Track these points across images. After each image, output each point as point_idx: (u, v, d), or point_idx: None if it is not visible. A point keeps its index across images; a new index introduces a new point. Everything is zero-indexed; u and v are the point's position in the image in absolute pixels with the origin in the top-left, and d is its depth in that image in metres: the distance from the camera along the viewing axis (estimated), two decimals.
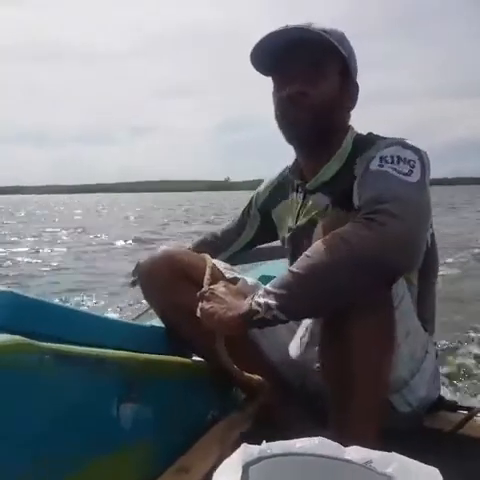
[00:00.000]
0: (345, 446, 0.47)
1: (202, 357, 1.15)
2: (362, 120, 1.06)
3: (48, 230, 13.33)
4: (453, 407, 1.08)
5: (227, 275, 1.14)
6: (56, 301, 0.92)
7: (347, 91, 1.03)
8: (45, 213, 25.37)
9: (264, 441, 0.45)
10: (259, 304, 0.80)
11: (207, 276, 1.04)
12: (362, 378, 0.80)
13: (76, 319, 0.90)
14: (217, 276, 1.09)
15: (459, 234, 8.81)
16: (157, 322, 1.18)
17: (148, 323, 1.22)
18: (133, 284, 1.33)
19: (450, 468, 0.49)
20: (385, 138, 0.98)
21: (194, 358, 1.16)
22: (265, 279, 1.20)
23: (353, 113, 1.08)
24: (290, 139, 1.06)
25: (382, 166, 0.88)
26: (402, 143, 0.92)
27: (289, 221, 1.15)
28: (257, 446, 0.44)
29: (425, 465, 0.44)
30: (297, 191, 1.14)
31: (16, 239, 10.83)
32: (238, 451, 0.42)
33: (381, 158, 0.89)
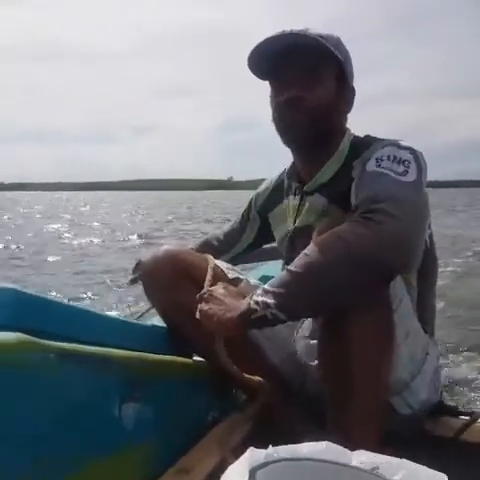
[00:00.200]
0: (345, 447, 0.47)
1: (203, 357, 1.15)
2: (362, 121, 1.06)
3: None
4: (454, 412, 1.08)
5: (229, 275, 1.14)
6: (58, 298, 0.92)
7: (343, 95, 1.05)
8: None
9: (270, 445, 0.45)
10: (257, 303, 0.81)
11: (208, 277, 1.04)
12: (361, 378, 0.80)
13: (78, 317, 0.89)
14: (219, 276, 1.09)
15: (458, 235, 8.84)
16: (158, 321, 1.18)
17: (149, 322, 1.22)
18: (132, 282, 1.33)
19: (453, 474, 0.48)
20: (382, 140, 1.00)
21: (195, 358, 1.16)
22: (266, 279, 1.19)
23: (353, 114, 1.10)
24: (288, 142, 1.08)
25: (378, 167, 0.89)
26: (397, 144, 0.94)
27: (286, 224, 1.16)
28: (263, 450, 0.44)
29: (434, 471, 0.43)
30: (294, 194, 1.14)
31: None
32: (245, 455, 0.42)
33: (377, 159, 0.91)
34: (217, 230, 1.43)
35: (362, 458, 0.46)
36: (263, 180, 1.33)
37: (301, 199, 1.11)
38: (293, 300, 0.79)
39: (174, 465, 0.87)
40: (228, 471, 0.41)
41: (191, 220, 15.62)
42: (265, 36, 1.00)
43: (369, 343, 0.80)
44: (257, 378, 1.06)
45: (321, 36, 0.97)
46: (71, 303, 0.93)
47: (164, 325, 1.15)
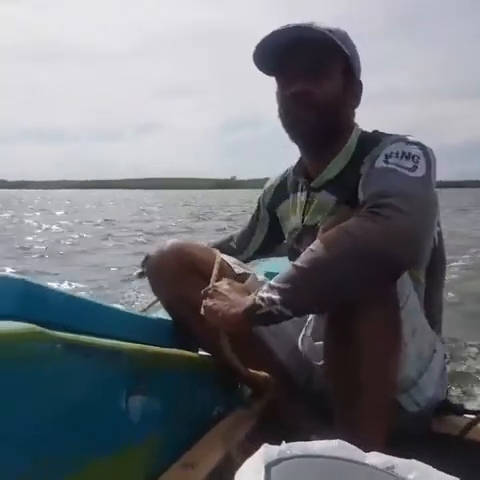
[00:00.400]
0: (353, 443, 0.47)
1: (208, 352, 1.15)
2: (360, 120, 1.06)
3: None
4: (460, 410, 1.08)
5: (236, 270, 1.13)
6: (65, 290, 0.91)
7: (351, 89, 1.03)
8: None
9: (284, 442, 0.44)
10: (263, 299, 0.80)
11: (215, 272, 1.04)
12: (370, 374, 0.80)
13: (85, 308, 0.89)
14: (226, 271, 1.09)
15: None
16: (164, 315, 1.18)
17: (155, 316, 1.22)
18: (140, 275, 1.33)
19: (458, 473, 0.48)
20: (391, 135, 0.98)
21: (200, 353, 1.16)
22: (270, 276, 1.19)
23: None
24: (294, 137, 1.06)
25: (387, 163, 0.88)
26: (406, 139, 0.92)
27: (293, 220, 1.16)
28: (277, 447, 0.43)
29: (447, 476, 0.43)
30: (301, 190, 1.14)
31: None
32: (259, 451, 0.42)
33: (386, 155, 0.89)
34: (228, 234, 1.45)
35: (375, 458, 0.45)
36: (265, 179, 1.33)
37: (308, 196, 1.11)
38: (298, 296, 0.79)
39: (179, 460, 0.87)
40: (243, 467, 0.41)
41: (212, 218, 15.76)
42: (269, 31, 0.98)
43: (378, 340, 0.80)
44: (263, 374, 1.06)
45: (328, 30, 0.95)
46: (78, 295, 0.93)
47: (170, 319, 1.14)
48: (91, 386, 0.72)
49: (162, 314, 1.21)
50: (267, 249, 1.37)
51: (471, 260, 5.88)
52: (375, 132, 1.05)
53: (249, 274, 1.12)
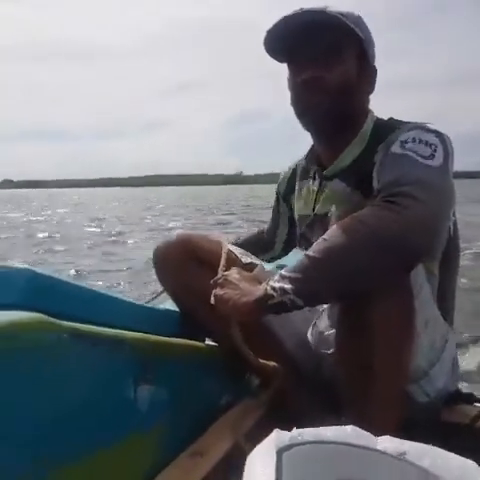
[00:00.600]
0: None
1: (216, 341, 1.14)
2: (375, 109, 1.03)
3: None
4: (470, 399, 1.07)
5: (243, 260, 1.13)
6: (72, 280, 0.91)
7: (365, 75, 1.00)
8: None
9: (295, 427, 0.44)
10: (274, 289, 0.79)
11: (223, 262, 1.03)
12: (384, 363, 0.79)
13: (92, 298, 0.89)
14: (233, 261, 1.08)
15: None
16: (171, 305, 1.18)
17: (162, 306, 1.22)
18: None
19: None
20: (407, 123, 0.95)
21: (207, 342, 1.15)
22: (281, 268, 1.18)
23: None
24: (307, 125, 1.04)
25: (403, 148, 0.85)
26: (424, 127, 0.90)
27: (304, 208, 1.14)
28: (288, 432, 0.43)
29: (462, 458, 0.42)
30: (313, 178, 1.12)
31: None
32: (271, 436, 0.41)
33: (402, 142, 0.87)
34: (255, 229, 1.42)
35: (388, 443, 0.45)
36: (272, 174, 1.32)
37: (320, 184, 1.08)
38: (310, 285, 0.77)
39: (188, 448, 0.87)
40: (254, 452, 0.40)
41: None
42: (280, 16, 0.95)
43: (392, 328, 0.78)
44: (271, 363, 1.05)
45: (341, 14, 0.92)
46: (85, 285, 0.93)
47: (176, 309, 1.14)
48: (98, 375, 0.71)
49: (169, 305, 1.21)
50: (293, 245, 1.33)
51: None
52: (390, 119, 1.02)
53: (256, 264, 1.12)
